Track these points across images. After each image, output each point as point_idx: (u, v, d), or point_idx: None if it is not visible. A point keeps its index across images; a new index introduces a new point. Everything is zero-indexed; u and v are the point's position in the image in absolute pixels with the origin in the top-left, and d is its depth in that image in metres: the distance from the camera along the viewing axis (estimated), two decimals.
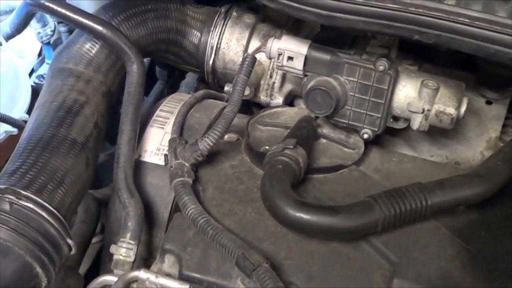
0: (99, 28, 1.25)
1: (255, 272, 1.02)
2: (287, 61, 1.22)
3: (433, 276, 1.08)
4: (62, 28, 1.56)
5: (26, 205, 1.00)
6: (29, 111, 1.53)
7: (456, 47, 1.01)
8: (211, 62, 1.43)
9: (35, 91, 1.61)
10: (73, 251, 1.06)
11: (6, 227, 0.98)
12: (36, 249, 0.99)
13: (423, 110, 1.22)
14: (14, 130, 1.43)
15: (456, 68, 1.38)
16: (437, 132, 1.36)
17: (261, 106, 1.44)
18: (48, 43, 1.64)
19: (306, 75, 1.24)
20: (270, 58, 1.26)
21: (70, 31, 1.58)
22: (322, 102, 1.21)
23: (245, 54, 1.27)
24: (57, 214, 1.03)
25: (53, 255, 1.02)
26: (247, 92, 1.36)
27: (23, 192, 1.02)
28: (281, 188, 1.11)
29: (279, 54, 1.22)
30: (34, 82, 1.67)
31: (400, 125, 1.30)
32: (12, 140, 1.48)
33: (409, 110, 1.23)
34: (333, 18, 1.06)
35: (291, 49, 1.22)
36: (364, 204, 1.09)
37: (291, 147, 1.16)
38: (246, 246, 1.06)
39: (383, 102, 1.22)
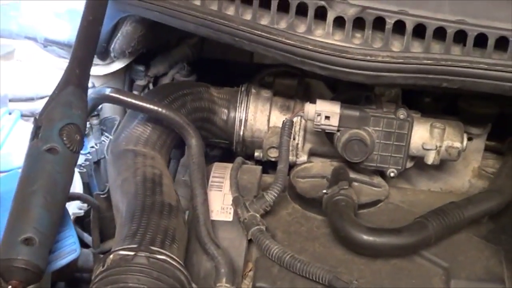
0: (163, 111, 1.45)
1: None
2: (325, 120, 1.47)
3: (480, 273, 1.34)
4: (95, 121, 1.73)
5: (160, 258, 1.17)
6: None
7: (477, 89, 1.30)
8: (241, 133, 1.66)
9: None
10: None
11: (149, 277, 1.14)
12: None
13: (436, 147, 1.50)
14: (80, 212, 1.57)
15: (440, 113, 1.68)
16: (432, 168, 1.64)
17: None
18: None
19: (338, 130, 1.50)
20: (307, 120, 1.51)
21: (100, 123, 1.75)
22: (358, 150, 1.47)
23: (284, 120, 1.51)
24: (182, 263, 1.20)
25: None
26: (276, 154, 1.60)
27: (153, 248, 1.18)
28: (351, 220, 1.35)
29: (318, 115, 1.47)
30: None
31: (408, 164, 1.57)
32: None
33: (424, 148, 1.50)
34: (378, 77, 1.32)
35: (327, 110, 1.46)
36: (419, 224, 1.35)
37: (346, 187, 1.41)
38: (332, 271, 1.29)
39: (404, 144, 1.50)
